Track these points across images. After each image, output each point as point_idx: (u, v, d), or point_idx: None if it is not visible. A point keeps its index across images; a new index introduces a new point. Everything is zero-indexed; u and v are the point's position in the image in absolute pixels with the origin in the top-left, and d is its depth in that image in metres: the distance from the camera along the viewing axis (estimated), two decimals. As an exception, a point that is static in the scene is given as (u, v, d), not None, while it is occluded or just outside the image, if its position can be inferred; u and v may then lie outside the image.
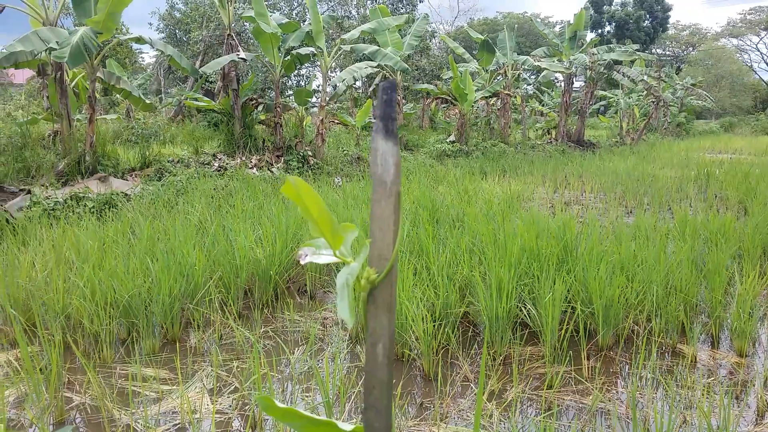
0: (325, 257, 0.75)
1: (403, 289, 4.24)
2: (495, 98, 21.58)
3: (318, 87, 21.39)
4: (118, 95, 15.68)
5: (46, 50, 8.86)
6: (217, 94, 15.34)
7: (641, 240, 5.77)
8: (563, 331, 4.24)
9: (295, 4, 32.58)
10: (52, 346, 3.49)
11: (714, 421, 3.27)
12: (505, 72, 21.10)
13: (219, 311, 4.78)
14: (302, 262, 0.77)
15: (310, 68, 34.30)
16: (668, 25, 60.66)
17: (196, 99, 14.50)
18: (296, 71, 17.24)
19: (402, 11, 32.05)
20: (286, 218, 6.17)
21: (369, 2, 33.10)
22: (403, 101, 24.86)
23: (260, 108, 13.46)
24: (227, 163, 11.20)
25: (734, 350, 4.30)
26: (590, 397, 3.58)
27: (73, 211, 7.29)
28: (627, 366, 4.10)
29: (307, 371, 3.96)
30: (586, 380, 3.83)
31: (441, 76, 27.14)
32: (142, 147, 11.30)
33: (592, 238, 5.20)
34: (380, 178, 0.68)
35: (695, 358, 4.15)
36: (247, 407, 3.45)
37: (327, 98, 13.92)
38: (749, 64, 64.06)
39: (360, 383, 3.75)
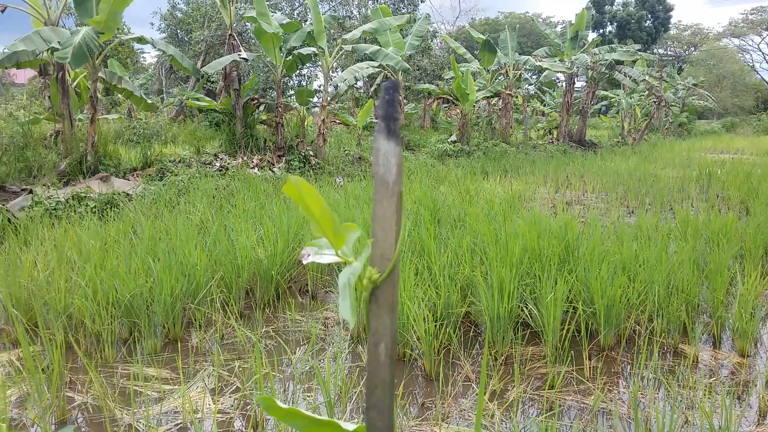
0: (328, 257, 0.75)
1: (404, 289, 4.24)
2: (496, 98, 21.57)
3: (319, 87, 21.39)
4: (119, 95, 15.70)
5: (47, 50, 8.86)
6: (218, 94, 15.36)
7: (643, 240, 5.77)
8: (565, 331, 4.23)
9: (297, 4, 32.59)
10: (54, 346, 3.50)
11: (716, 421, 3.27)
12: (507, 72, 21.09)
13: (220, 311, 4.79)
14: (305, 262, 0.77)
15: (312, 68, 34.32)
16: (670, 25, 60.64)
17: (197, 99, 14.50)
18: (298, 71, 17.25)
19: (403, 11, 32.04)
20: (287, 218, 6.17)
21: (370, 2, 33.11)
22: (405, 101, 24.87)
23: (262, 108, 13.47)
24: (229, 163, 11.21)
25: (736, 350, 4.29)
26: (592, 397, 3.58)
27: (74, 210, 7.30)
28: (629, 366, 4.09)
29: (308, 371, 3.96)
30: (587, 380, 3.83)
31: (442, 76, 27.13)
32: (144, 147, 11.31)
33: (594, 238, 5.20)
34: (382, 178, 0.68)
35: (697, 359, 4.14)
36: (248, 407, 3.45)
37: (328, 98, 13.92)
38: (751, 64, 64.02)
39: (361, 383, 3.75)
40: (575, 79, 23.02)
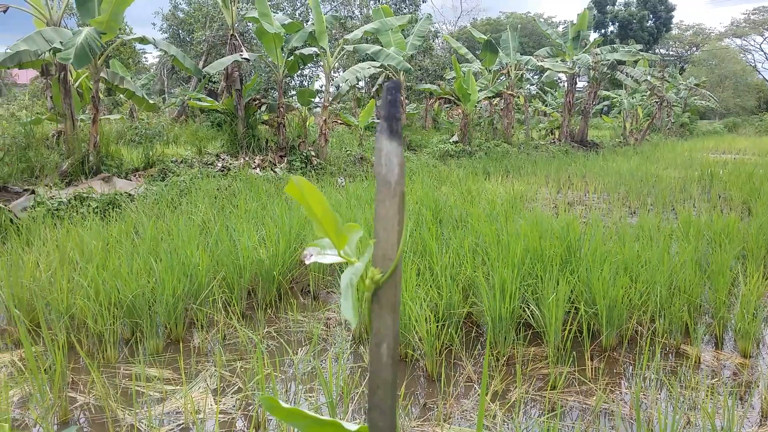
0: (330, 257, 0.75)
1: (406, 290, 4.23)
2: (498, 98, 21.56)
3: (321, 87, 21.41)
4: (121, 95, 15.75)
5: (49, 50, 8.88)
6: (220, 95, 15.36)
7: (645, 240, 5.76)
8: (567, 332, 4.23)
9: (298, 4, 32.60)
10: (56, 346, 3.50)
11: (718, 422, 3.26)
12: (508, 72, 21.08)
13: (222, 311, 4.79)
14: (307, 262, 0.77)
15: (313, 68, 34.32)
16: (672, 25, 60.59)
17: (199, 99, 14.51)
18: (299, 71, 17.26)
19: (405, 11, 32.04)
20: (289, 218, 6.18)
21: (372, 2, 33.10)
22: (406, 101, 24.87)
23: (263, 108, 13.48)
24: (230, 164, 11.21)
25: (738, 351, 4.29)
26: (594, 398, 3.58)
27: (76, 211, 7.31)
28: (630, 367, 4.09)
29: (310, 371, 3.96)
30: (589, 381, 3.82)
31: (444, 76, 27.12)
32: (146, 147, 11.31)
33: (596, 238, 5.19)
34: (384, 178, 0.68)
35: (699, 359, 4.14)
36: (250, 407, 3.45)
37: (330, 98, 13.93)
38: (753, 64, 63.95)
39: (363, 384, 3.75)
40: (577, 80, 23.02)
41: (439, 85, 21.68)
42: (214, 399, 3.52)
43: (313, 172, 12.05)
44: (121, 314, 4.32)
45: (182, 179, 9.28)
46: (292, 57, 12.65)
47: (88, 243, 5.40)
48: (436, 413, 3.38)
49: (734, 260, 5.61)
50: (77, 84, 11.25)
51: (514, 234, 5.29)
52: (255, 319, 4.93)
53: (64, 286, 4.30)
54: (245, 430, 3.26)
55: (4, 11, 9.07)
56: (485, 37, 20.03)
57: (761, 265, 5.66)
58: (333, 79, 13.92)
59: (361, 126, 17.12)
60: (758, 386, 3.76)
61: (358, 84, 17.22)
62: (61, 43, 8.57)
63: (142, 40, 10.67)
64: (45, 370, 3.64)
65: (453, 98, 19.25)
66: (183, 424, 3.27)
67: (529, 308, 4.44)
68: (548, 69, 22.49)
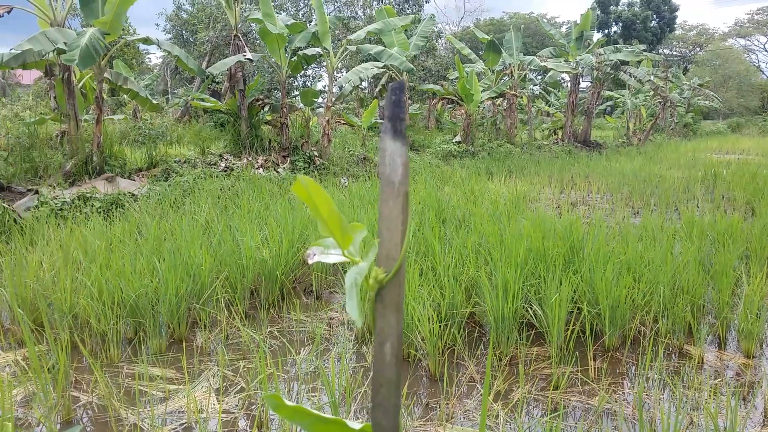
0: (334, 257, 0.75)
1: (409, 290, 4.24)
2: (501, 99, 21.56)
3: (324, 87, 21.40)
4: (125, 96, 15.76)
5: (53, 51, 8.90)
6: (223, 95, 15.40)
7: (648, 241, 5.75)
8: (569, 332, 4.23)
9: (302, 4, 32.63)
10: (60, 346, 3.51)
11: (721, 422, 3.26)
12: (512, 72, 21.07)
13: (225, 311, 4.80)
14: (310, 262, 0.77)
15: (317, 69, 34.35)
16: (675, 26, 60.48)
17: (202, 99, 14.53)
18: (302, 72, 17.26)
19: (408, 12, 32.06)
20: (292, 219, 6.19)
21: (375, 3, 33.12)
22: (409, 102, 24.87)
23: (266, 108, 13.49)
24: (234, 164, 11.23)
25: (741, 351, 4.28)
26: (597, 398, 3.58)
27: (80, 211, 7.33)
28: (633, 367, 4.09)
29: (313, 371, 3.96)
30: (592, 381, 3.82)
31: (447, 76, 27.12)
32: (149, 147, 11.34)
33: (599, 238, 5.19)
34: (388, 179, 0.68)
35: (702, 359, 4.13)
36: (253, 407, 3.45)
37: (333, 99, 13.94)
38: (757, 65, 63.86)
39: (366, 383, 3.76)
40: (580, 80, 23.01)
41: (442, 86, 21.67)
42: (217, 398, 3.53)
43: (316, 172, 12.06)
44: (124, 314, 4.33)
45: (185, 179, 9.29)
46: (295, 57, 12.66)
47: (92, 243, 5.41)
48: (439, 413, 3.38)
49: (737, 260, 5.60)
50: (81, 84, 11.27)
51: (517, 234, 5.29)
52: (258, 318, 4.94)
53: (67, 286, 4.31)
54: (248, 429, 3.26)
55: (9, 12, 9.10)
56: (488, 38, 20.03)
57: (765, 265, 5.64)
58: (336, 80, 13.92)
59: (364, 126, 17.12)
60: (761, 386, 3.75)
61: (361, 84, 17.21)
62: (65, 43, 8.59)
63: (146, 41, 10.69)
64: (48, 369, 3.65)
65: (456, 98, 19.24)
66: (186, 423, 3.27)
67: (531, 308, 4.43)
68: (551, 69, 22.49)
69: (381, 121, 18.98)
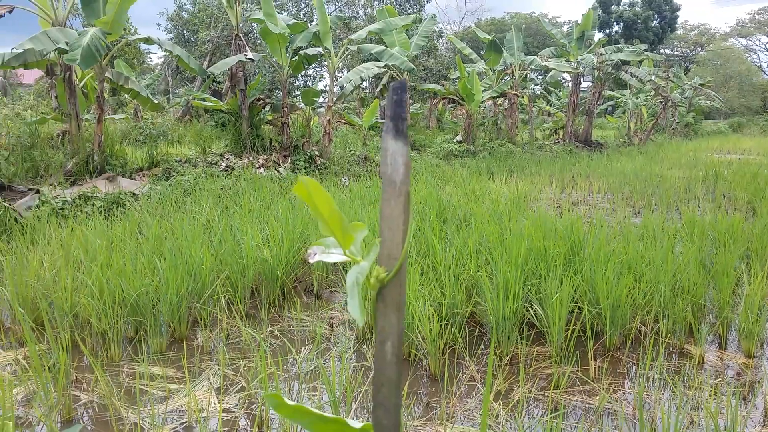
0: (335, 256, 0.76)
1: (410, 289, 4.24)
2: (502, 98, 21.55)
3: (325, 87, 21.41)
4: (126, 95, 15.77)
5: (55, 50, 8.91)
6: (224, 95, 15.38)
7: (649, 240, 5.75)
8: (570, 332, 4.23)
9: (303, 4, 32.63)
10: (60, 345, 3.51)
11: (721, 422, 3.26)
12: (513, 72, 21.07)
13: (226, 310, 4.80)
14: (311, 261, 0.78)
15: (318, 68, 34.34)
16: (676, 25, 60.45)
17: (203, 99, 14.54)
18: (304, 71, 17.26)
19: (409, 12, 32.05)
20: (293, 218, 6.19)
21: (376, 2, 33.13)
22: (410, 101, 24.87)
23: (267, 108, 13.49)
24: (234, 163, 11.23)
25: (742, 351, 4.28)
26: (597, 398, 3.58)
27: (81, 210, 7.33)
28: (634, 366, 4.09)
29: (313, 370, 3.96)
30: (592, 381, 3.82)
31: (448, 76, 27.11)
32: (150, 147, 11.35)
33: (600, 238, 5.19)
34: (390, 178, 0.68)
35: (703, 359, 4.13)
36: (253, 406, 3.46)
37: (334, 98, 13.94)
38: (758, 65, 63.82)
39: (366, 383, 3.76)
40: (581, 79, 22.99)
41: (443, 85, 21.66)
42: (218, 397, 3.53)
43: (316, 171, 12.06)
44: (124, 313, 4.33)
45: (186, 179, 9.30)
46: (296, 57, 12.66)
47: (93, 242, 5.42)
48: (439, 412, 3.38)
49: (738, 260, 5.60)
50: (82, 84, 11.28)
51: (518, 234, 5.28)
52: (258, 318, 4.95)
53: (68, 285, 4.31)
54: (248, 428, 3.26)
55: (10, 12, 9.10)
56: (489, 37, 20.02)
57: (765, 265, 5.63)
58: (337, 79, 13.93)
59: (364, 126, 17.13)
60: (762, 386, 3.75)
61: (362, 84, 17.20)
62: (66, 43, 8.60)
63: (147, 41, 10.70)
64: (49, 368, 3.66)
65: (457, 98, 19.24)
66: (186, 422, 3.28)
67: (532, 308, 4.44)
68: (552, 69, 22.49)
69: (382, 120, 19.01)
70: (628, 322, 4.38)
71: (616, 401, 3.57)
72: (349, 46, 13.57)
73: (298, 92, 27.96)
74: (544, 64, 20.58)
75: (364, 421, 0.75)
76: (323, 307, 5.23)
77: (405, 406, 3.49)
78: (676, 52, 65.69)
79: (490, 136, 20.26)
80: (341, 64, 17.59)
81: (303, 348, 4.36)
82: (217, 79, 21.94)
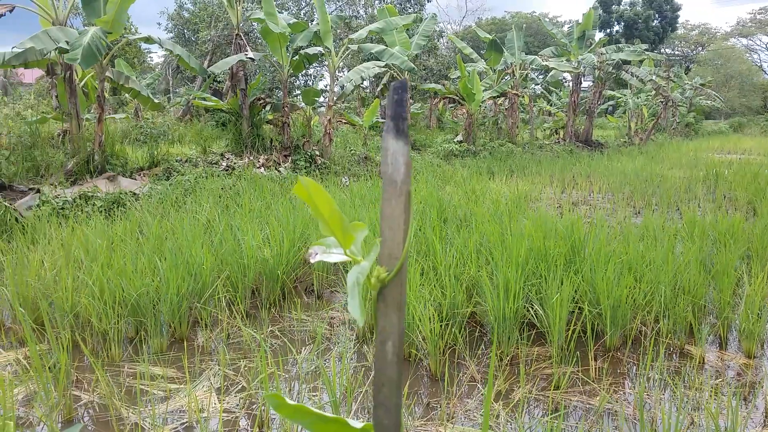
0: (336, 256, 0.75)
1: (410, 289, 4.24)
2: (503, 98, 21.55)
3: (326, 87, 21.42)
4: (126, 95, 15.77)
5: (55, 50, 8.91)
6: (225, 94, 15.39)
7: (649, 240, 5.75)
8: (570, 332, 4.23)
9: (303, 4, 32.64)
10: (61, 345, 3.51)
11: (722, 422, 3.26)
12: (513, 72, 21.06)
13: (226, 310, 4.80)
14: (312, 261, 0.77)
15: (318, 68, 34.37)
16: (677, 25, 60.43)
17: (204, 98, 14.54)
18: (304, 71, 17.27)
19: (410, 11, 32.06)
20: (293, 218, 6.19)
21: (377, 2, 33.13)
22: (411, 101, 24.87)
23: (268, 108, 13.49)
24: (235, 163, 11.23)
25: (742, 351, 4.28)
26: (597, 398, 3.58)
27: (81, 210, 7.33)
28: (634, 367, 4.08)
29: (314, 371, 3.96)
30: (593, 381, 3.82)
31: (449, 75, 27.10)
32: (151, 146, 11.35)
33: (600, 238, 5.19)
34: (390, 178, 0.68)
35: (703, 359, 4.13)
36: (254, 406, 3.46)
37: (335, 98, 13.94)
38: (759, 64, 63.78)
39: (367, 383, 3.76)
40: (582, 79, 22.98)
41: (443, 85, 21.66)
42: (218, 398, 3.53)
43: (317, 171, 12.06)
44: (125, 313, 4.33)
45: (187, 178, 9.30)
46: (296, 57, 12.66)
47: (93, 242, 5.41)
48: (440, 413, 3.38)
49: (739, 260, 5.60)
50: (82, 83, 11.28)
51: (519, 234, 5.28)
52: (259, 318, 4.94)
53: (68, 285, 4.31)
54: (249, 428, 3.26)
55: (11, 11, 9.10)
56: (490, 37, 20.01)
57: (766, 265, 5.63)
58: (338, 79, 13.93)
59: (365, 125, 17.13)
60: (762, 387, 3.75)
61: (362, 83, 17.21)
62: (67, 42, 8.60)
63: (148, 40, 10.70)
64: (49, 368, 3.66)
65: (457, 98, 19.23)
66: (187, 422, 3.28)
67: (532, 308, 4.43)
68: (553, 68, 22.48)
69: (382, 120, 19.00)
70: (629, 322, 4.38)
71: (617, 401, 3.57)
72: (349, 46, 13.57)
73: (298, 92, 27.96)
74: (544, 63, 20.57)
75: (365, 421, 0.75)
76: (324, 307, 5.23)
77: (405, 406, 3.49)
78: (676, 52, 65.67)
79: (491, 136, 20.26)
80: (342, 63, 17.60)
81: (303, 348, 4.36)
82: (218, 79, 21.95)
